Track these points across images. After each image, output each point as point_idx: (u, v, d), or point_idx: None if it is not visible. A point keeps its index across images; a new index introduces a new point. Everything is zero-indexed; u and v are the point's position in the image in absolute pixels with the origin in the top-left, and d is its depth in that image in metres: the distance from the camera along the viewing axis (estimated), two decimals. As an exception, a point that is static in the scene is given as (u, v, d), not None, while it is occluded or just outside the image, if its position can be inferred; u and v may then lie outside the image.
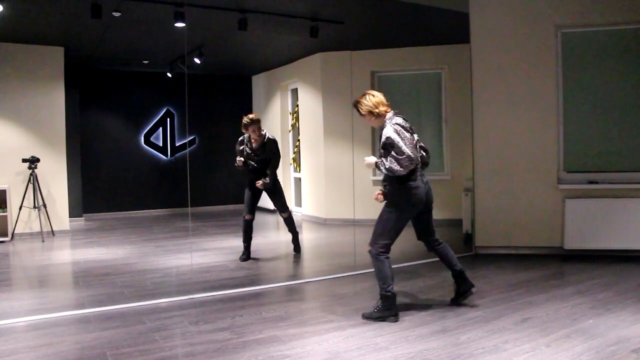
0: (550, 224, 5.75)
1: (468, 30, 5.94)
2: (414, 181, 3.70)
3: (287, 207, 5.98)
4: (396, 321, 3.69)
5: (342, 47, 7.95)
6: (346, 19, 6.69)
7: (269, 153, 5.81)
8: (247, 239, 5.84)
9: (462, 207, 6.67)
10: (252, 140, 5.77)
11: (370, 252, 3.80)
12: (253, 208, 5.87)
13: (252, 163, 5.81)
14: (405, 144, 3.61)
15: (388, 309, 3.73)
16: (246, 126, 5.68)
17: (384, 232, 3.76)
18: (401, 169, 3.60)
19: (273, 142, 5.85)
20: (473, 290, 4.01)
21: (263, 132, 5.76)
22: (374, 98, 3.80)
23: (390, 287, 3.72)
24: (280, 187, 5.98)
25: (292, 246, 6.10)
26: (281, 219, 6.02)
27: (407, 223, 3.84)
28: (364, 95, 3.85)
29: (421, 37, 7.52)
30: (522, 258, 5.65)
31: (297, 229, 6.08)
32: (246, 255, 5.80)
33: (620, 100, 5.78)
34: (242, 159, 5.71)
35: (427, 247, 4.09)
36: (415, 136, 3.83)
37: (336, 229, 7.81)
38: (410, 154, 3.59)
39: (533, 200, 5.78)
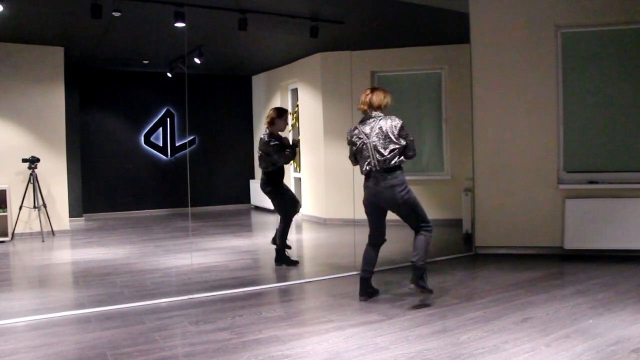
0: (550, 224, 5.74)
1: (468, 30, 5.93)
2: (365, 182, 4.12)
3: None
4: (363, 301, 4.12)
5: (342, 47, 7.95)
6: (346, 19, 6.68)
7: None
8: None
9: (462, 207, 6.67)
10: (282, 137, 5.29)
11: None
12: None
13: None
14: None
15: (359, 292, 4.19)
16: (281, 114, 5.25)
17: None
18: None
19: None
20: (410, 288, 4.06)
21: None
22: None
23: (364, 270, 4.15)
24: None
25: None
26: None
27: (372, 218, 4.18)
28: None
29: (421, 37, 7.52)
30: (522, 258, 5.64)
31: (291, 231, 5.78)
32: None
33: (620, 100, 5.77)
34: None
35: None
36: (371, 140, 4.01)
37: (336, 229, 7.81)
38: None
39: (533, 200, 5.78)
